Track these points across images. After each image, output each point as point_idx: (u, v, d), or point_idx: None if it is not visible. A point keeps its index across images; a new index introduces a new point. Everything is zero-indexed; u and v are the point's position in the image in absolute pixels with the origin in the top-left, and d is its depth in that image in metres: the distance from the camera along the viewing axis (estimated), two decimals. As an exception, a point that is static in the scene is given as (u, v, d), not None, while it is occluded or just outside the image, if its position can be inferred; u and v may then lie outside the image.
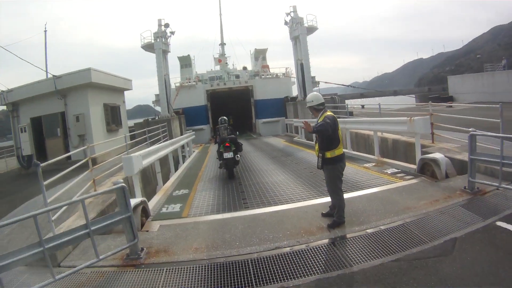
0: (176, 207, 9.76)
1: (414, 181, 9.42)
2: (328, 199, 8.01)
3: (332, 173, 6.90)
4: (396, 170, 10.94)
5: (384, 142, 13.99)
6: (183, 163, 19.25)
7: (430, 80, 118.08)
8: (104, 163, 12.27)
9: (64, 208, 7.28)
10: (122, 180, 6.27)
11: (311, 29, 30.63)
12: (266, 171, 14.18)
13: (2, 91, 22.39)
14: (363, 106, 30.36)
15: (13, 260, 4.63)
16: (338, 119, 6.98)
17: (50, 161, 7.99)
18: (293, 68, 33.96)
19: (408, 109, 17.08)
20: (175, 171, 16.32)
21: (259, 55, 49.41)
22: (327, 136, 6.63)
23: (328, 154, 6.78)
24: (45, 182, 6.67)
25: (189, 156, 22.11)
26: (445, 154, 9.76)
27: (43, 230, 6.96)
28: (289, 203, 9.03)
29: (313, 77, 31.70)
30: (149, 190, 13.71)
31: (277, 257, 5.84)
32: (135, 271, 5.84)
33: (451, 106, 24.00)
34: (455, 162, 9.55)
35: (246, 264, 5.70)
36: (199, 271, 5.64)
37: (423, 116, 11.27)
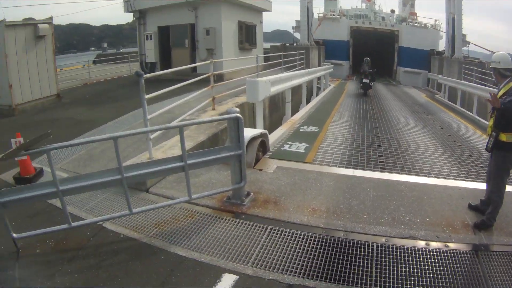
0: (301, 147, 8.80)
1: None
2: (477, 186, 6.80)
3: (501, 162, 5.23)
4: None
5: None
6: (317, 96, 18.14)
7: None
8: (230, 81, 11.70)
9: (160, 132, 6.66)
10: (237, 109, 5.28)
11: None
12: (407, 127, 12.58)
13: None
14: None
15: (91, 183, 4.19)
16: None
17: (168, 70, 7.77)
18: (443, 22, 31.43)
19: None
20: (307, 104, 15.22)
21: (408, 1, 45.40)
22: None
23: (504, 137, 5.05)
24: (152, 95, 6.30)
25: (324, 90, 20.98)
26: None
27: (141, 147, 6.51)
28: (432, 176, 7.51)
29: (464, 35, 28.50)
30: (276, 118, 12.96)
31: (409, 251, 4.58)
32: (232, 221, 5.05)
33: None
34: None
35: (370, 250, 4.54)
36: (310, 243, 4.63)
37: None
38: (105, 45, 73.09)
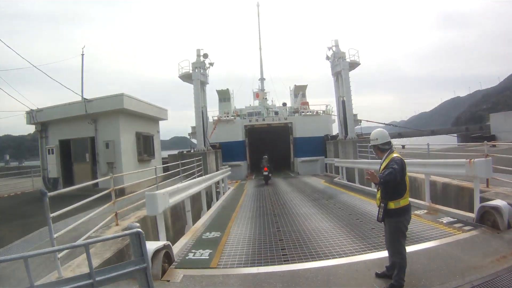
0: (205, 254, 8.69)
1: (474, 232, 8.25)
2: (380, 254, 7.33)
3: (395, 228, 5.75)
4: (452, 219, 9.69)
5: (432, 186, 12.62)
6: (217, 200, 18.30)
7: (467, 119, 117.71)
8: (131, 195, 11.62)
9: (65, 251, 6.47)
10: (137, 224, 5.33)
11: (353, 65, 29.82)
12: (307, 216, 12.95)
13: (31, 110, 22.28)
14: (403, 146, 29.07)
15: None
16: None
17: (71, 188, 7.60)
18: (334, 105, 33.70)
19: (452, 149, 16.05)
20: (207, 210, 15.28)
21: (299, 91, 49.16)
22: (393, 185, 5.50)
23: (392, 205, 5.65)
24: (57, 213, 6.22)
25: (223, 193, 21.27)
26: (504, 201, 8.57)
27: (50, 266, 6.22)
28: (336, 257, 7.79)
29: (355, 115, 30.82)
30: (179, 227, 12.82)
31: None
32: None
33: (494, 146, 22.63)
34: None
35: None
36: None
37: (485, 158, 10.12)
38: (8, 157, 69.41)
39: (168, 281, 6.76)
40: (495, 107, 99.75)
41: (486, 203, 8.79)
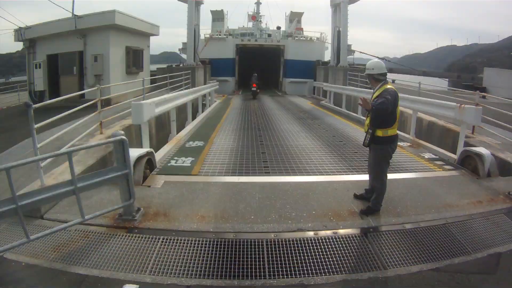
0: (187, 161, 8.72)
1: (454, 173, 8.28)
2: (361, 177, 7.39)
3: (380, 155, 5.77)
4: (434, 156, 9.74)
5: (418, 122, 12.63)
6: (202, 112, 18.18)
7: (461, 68, 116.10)
8: (117, 104, 11.42)
9: (50, 159, 6.37)
10: (121, 132, 5.25)
11: (353, -1, 28.78)
12: (291, 133, 12.96)
13: (19, 27, 21.86)
14: (393, 81, 28.88)
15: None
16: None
17: (57, 99, 7.56)
18: (329, 35, 32.74)
19: (442, 93, 15.92)
20: (192, 120, 15.21)
21: (295, 17, 47.30)
22: (384, 114, 5.46)
23: (380, 133, 5.61)
24: (41, 123, 6.06)
25: (209, 106, 21.10)
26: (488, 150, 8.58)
27: (33, 175, 6.18)
28: (316, 174, 7.89)
29: (349, 45, 30.22)
30: (163, 136, 12.79)
31: (299, 242, 4.81)
32: (126, 236, 4.93)
33: (484, 97, 22.66)
34: (496, 161, 8.34)
35: (261, 246, 4.69)
36: (202, 247, 4.68)
37: (475, 106, 9.89)
38: (-6, 74, 67.85)
39: (149, 186, 6.81)
40: (490, 63, 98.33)
41: (469, 148, 8.83)
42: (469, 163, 8.49)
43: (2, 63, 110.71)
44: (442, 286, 4.08)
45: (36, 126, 5.71)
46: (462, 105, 9.54)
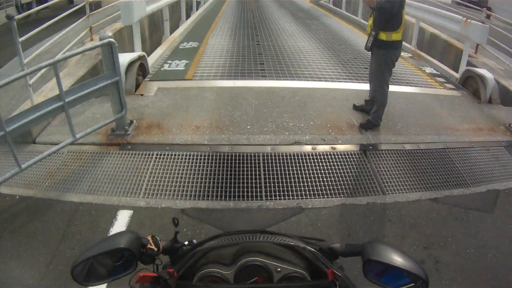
0: (181, 65, 8.39)
1: (455, 93, 7.96)
2: (361, 86, 7.14)
3: (382, 61, 5.37)
4: (436, 72, 9.30)
5: (420, 33, 11.86)
6: (197, 10, 17.42)
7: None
8: (107, 6, 10.71)
9: (41, 72, 5.90)
10: (109, 33, 4.88)
11: None
12: (289, 33, 12.38)
13: None
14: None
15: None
16: None
17: (42, 6, 7.37)
18: None
19: (445, 5, 14.87)
20: (186, 19, 14.59)
21: None
22: (389, 14, 5.05)
23: (383, 36, 5.16)
24: (27, 36, 5.65)
25: (204, 3, 20.23)
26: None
27: (24, 96, 5.91)
28: (315, 80, 7.60)
29: None
30: (156, 38, 12.30)
31: (295, 157, 4.73)
32: (118, 154, 4.81)
33: (489, 17, 21.44)
34: (498, 87, 7.95)
35: (257, 160, 4.64)
36: (196, 162, 4.62)
37: (482, 24, 9.22)
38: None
39: (142, 95, 6.58)
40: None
41: (472, 68, 8.38)
42: (470, 84, 8.13)
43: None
44: (440, 220, 4.05)
45: (21, 39, 5.30)
46: (468, 20, 8.94)
